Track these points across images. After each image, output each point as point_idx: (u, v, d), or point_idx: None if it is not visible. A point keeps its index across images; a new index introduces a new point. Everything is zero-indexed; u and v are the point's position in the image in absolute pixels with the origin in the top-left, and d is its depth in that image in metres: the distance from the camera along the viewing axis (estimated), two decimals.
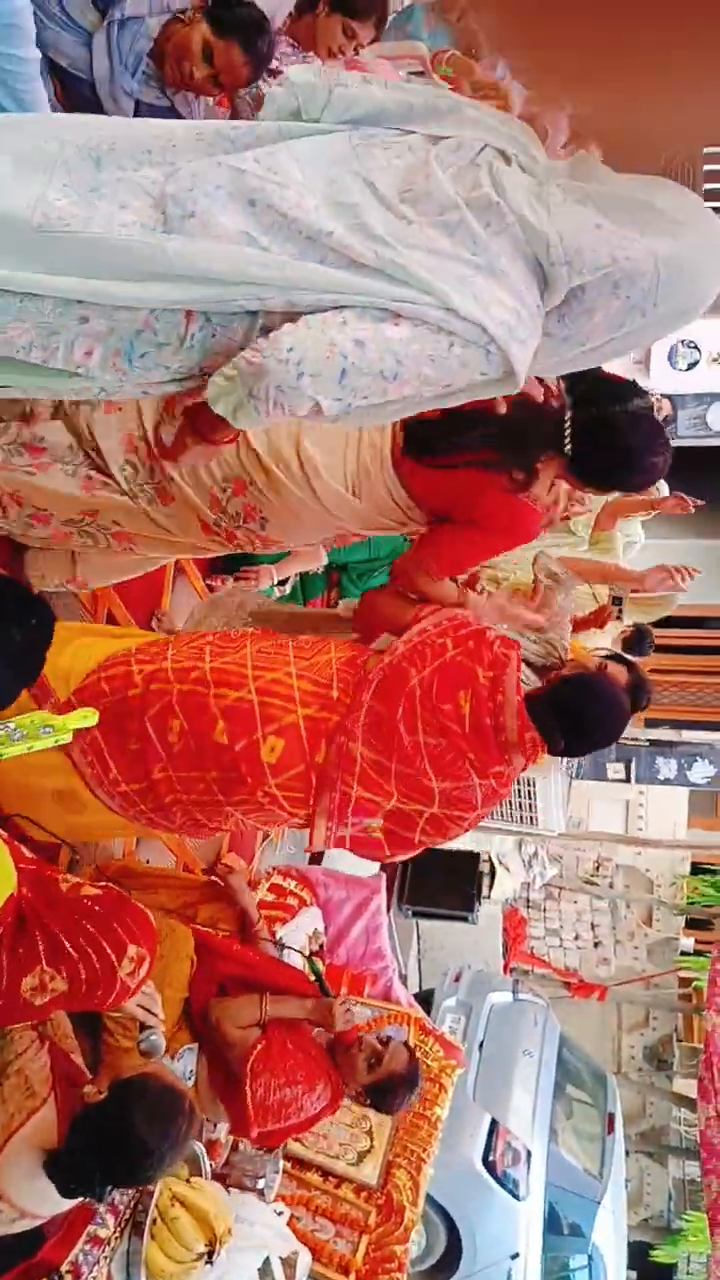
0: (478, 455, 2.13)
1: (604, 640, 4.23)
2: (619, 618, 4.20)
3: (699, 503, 4.60)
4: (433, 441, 2.17)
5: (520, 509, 2.23)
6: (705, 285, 1.53)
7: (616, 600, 4.12)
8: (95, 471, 2.24)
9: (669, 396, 6.17)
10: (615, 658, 3.38)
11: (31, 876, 1.86)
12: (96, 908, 1.87)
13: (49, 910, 1.81)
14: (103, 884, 2.00)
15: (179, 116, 2.50)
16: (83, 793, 2.26)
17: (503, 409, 1.96)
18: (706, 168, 7.97)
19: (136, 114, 2.45)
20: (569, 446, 2.09)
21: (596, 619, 4.02)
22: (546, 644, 3.57)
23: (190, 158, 1.46)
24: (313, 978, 2.98)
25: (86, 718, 2.02)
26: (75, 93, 2.40)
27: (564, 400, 2.09)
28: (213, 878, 3.26)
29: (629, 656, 3.79)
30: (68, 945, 1.78)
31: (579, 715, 2.31)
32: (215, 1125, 2.99)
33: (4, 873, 1.78)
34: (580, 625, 4.05)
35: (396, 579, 2.44)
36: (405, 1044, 3.06)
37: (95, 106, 2.42)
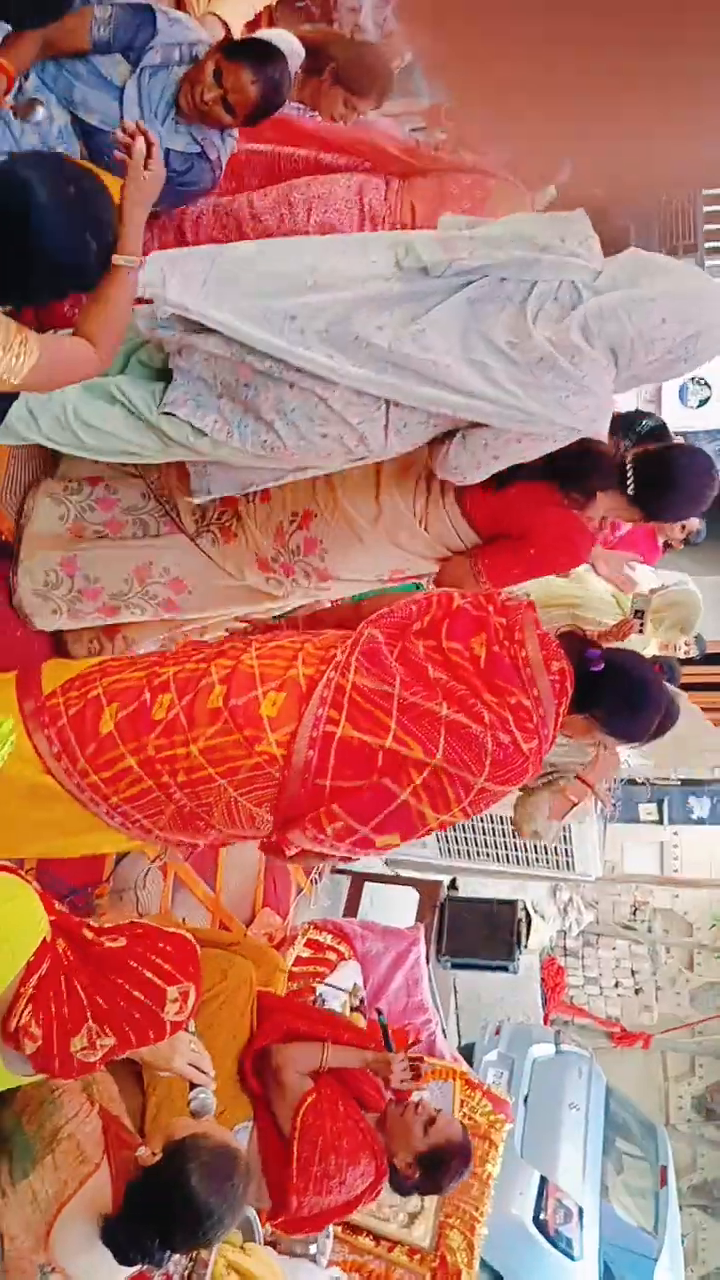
0: (538, 481, 2.44)
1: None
2: (640, 630, 4.16)
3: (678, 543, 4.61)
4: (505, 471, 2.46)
5: (574, 525, 2.47)
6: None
7: (639, 613, 4.08)
8: (165, 518, 2.60)
9: (682, 434, 6.19)
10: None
11: (61, 929, 1.84)
12: (131, 962, 1.83)
13: (82, 971, 1.78)
14: (127, 924, 1.94)
15: (208, 159, 2.57)
16: (53, 786, 2.16)
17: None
18: (706, 209, 8.09)
19: (166, 161, 2.50)
20: (630, 485, 2.44)
21: (618, 631, 4.00)
22: None
23: (373, 317, 2.18)
24: (379, 1031, 2.90)
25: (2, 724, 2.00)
26: (103, 146, 2.43)
27: (620, 445, 2.53)
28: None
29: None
30: (106, 1006, 1.75)
31: (621, 669, 2.20)
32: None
33: (34, 919, 1.75)
34: (602, 638, 4.03)
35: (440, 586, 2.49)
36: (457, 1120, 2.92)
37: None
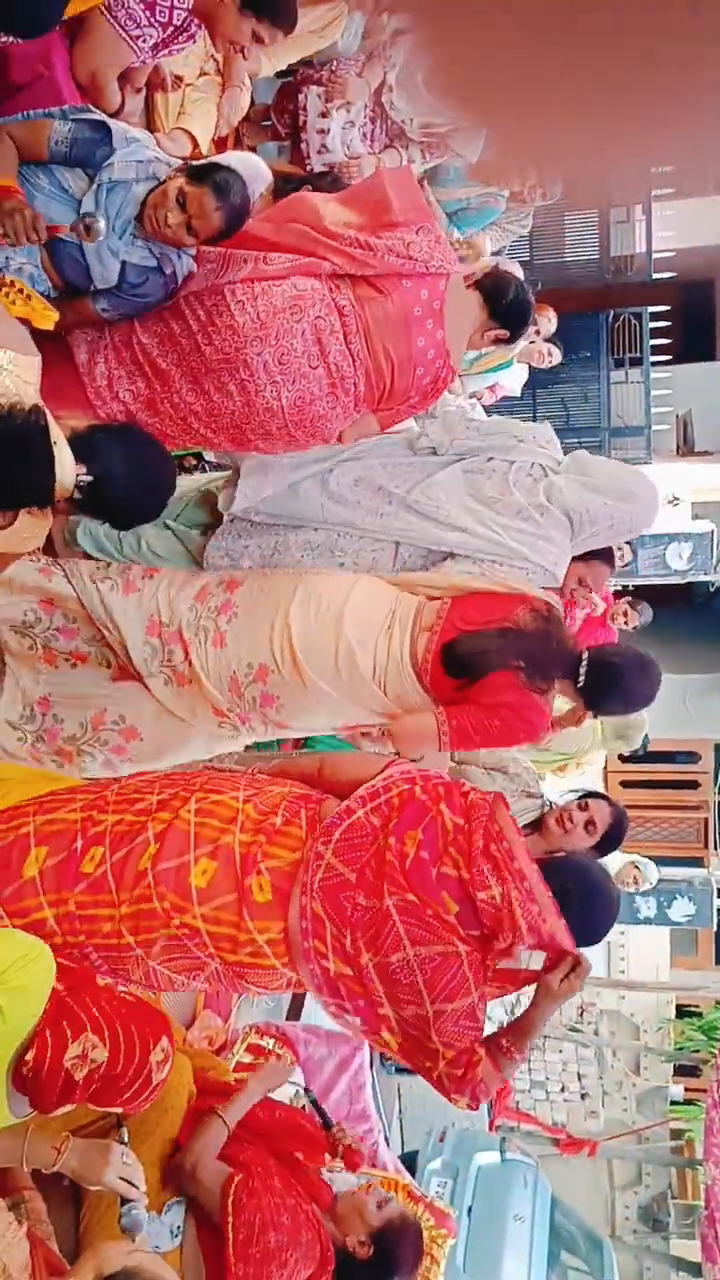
0: (504, 665, 2.60)
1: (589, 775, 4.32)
2: (595, 715, 4.21)
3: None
4: (466, 660, 2.60)
5: (535, 708, 2.62)
6: (650, 519, 3.05)
7: None
8: (118, 660, 2.69)
9: (629, 540, 6.34)
10: (594, 795, 3.38)
11: (68, 971, 1.88)
12: (130, 998, 1.91)
13: (87, 989, 1.85)
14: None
15: (163, 273, 2.59)
16: None
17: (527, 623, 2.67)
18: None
19: (122, 273, 2.55)
20: (582, 680, 2.70)
21: (573, 716, 4.03)
22: (514, 779, 3.56)
23: (392, 479, 2.90)
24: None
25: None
26: (65, 256, 2.51)
27: (579, 644, 2.82)
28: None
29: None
30: (104, 1021, 1.79)
31: (573, 894, 2.20)
32: None
33: (50, 973, 1.79)
34: (558, 724, 4.06)
35: (398, 739, 2.65)
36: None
37: (82, 268, 2.52)
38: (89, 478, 2.07)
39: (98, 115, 2.51)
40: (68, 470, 2.02)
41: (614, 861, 5.59)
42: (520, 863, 2.08)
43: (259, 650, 2.60)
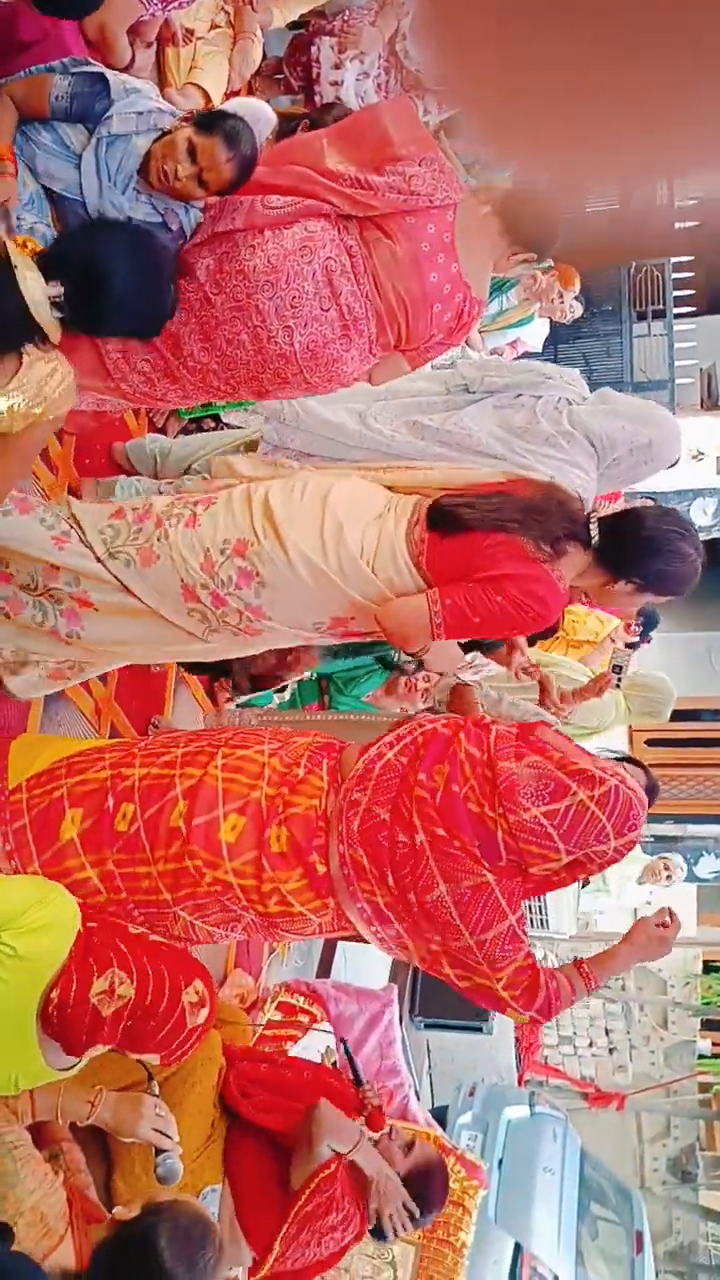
0: (500, 525, 2.32)
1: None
2: (618, 685, 4.21)
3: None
4: (455, 512, 2.35)
5: (546, 580, 2.28)
6: (674, 450, 3.02)
7: (617, 668, 4.13)
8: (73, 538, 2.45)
9: (651, 495, 6.29)
10: (628, 760, 3.38)
11: (98, 917, 1.92)
12: (163, 947, 1.92)
13: (117, 932, 1.88)
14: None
15: (168, 229, 2.52)
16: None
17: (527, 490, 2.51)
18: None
19: None
20: (596, 539, 2.38)
21: (595, 687, 4.03)
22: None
23: (424, 414, 2.90)
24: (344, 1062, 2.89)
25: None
26: (70, 213, 2.46)
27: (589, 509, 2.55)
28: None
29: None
30: (132, 959, 1.81)
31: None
32: (232, 1266, 2.83)
33: (75, 913, 1.81)
34: (579, 695, 4.06)
35: (386, 626, 2.37)
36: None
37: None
38: (60, 290, 1.90)
39: (95, 67, 2.45)
40: (35, 288, 1.87)
41: (645, 857, 5.74)
42: (585, 765, 2.12)
43: (237, 527, 2.39)
